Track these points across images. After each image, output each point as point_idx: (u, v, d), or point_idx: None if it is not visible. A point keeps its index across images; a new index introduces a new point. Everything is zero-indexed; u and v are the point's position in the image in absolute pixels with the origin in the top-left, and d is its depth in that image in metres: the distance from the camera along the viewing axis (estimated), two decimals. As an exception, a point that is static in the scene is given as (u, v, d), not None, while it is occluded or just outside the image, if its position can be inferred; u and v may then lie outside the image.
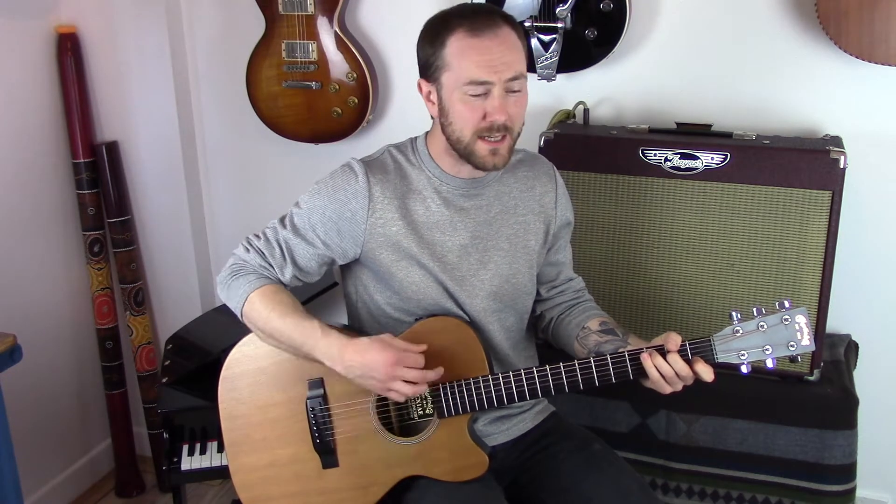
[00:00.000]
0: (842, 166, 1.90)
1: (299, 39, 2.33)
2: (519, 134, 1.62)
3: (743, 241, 1.99)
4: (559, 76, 2.17)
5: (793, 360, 1.50)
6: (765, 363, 1.50)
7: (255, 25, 2.37)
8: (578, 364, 1.55)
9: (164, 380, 2.22)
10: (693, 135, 2.06)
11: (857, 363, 2.19)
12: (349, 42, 2.32)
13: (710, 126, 2.10)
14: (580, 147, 2.09)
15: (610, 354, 1.54)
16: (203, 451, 2.16)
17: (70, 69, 2.53)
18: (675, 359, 1.50)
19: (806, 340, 1.48)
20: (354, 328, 1.76)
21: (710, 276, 2.03)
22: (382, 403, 1.64)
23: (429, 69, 1.59)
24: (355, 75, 2.33)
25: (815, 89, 2.12)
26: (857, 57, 1.92)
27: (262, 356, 1.67)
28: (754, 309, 1.50)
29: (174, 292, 2.77)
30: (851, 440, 1.95)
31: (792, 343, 1.48)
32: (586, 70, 2.19)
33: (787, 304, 1.48)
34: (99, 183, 2.63)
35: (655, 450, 2.06)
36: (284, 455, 1.67)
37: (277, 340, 1.63)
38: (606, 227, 2.08)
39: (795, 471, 1.99)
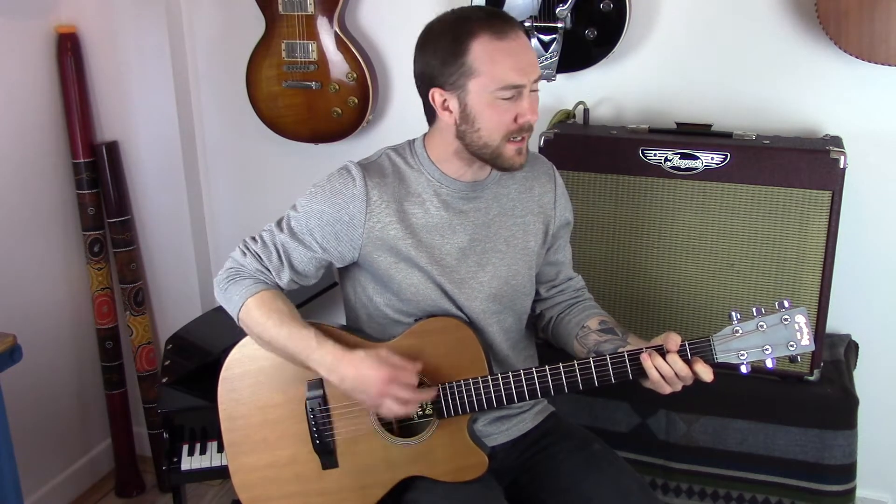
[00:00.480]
0: (842, 166, 1.90)
1: (299, 39, 2.33)
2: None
3: (743, 241, 1.99)
4: (559, 76, 2.17)
5: (792, 360, 1.50)
6: (764, 363, 1.50)
7: (255, 25, 2.37)
8: (578, 364, 1.55)
9: (164, 380, 2.22)
10: (693, 135, 2.06)
11: (857, 363, 2.19)
12: (349, 42, 2.32)
13: (710, 126, 2.10)
14: (580, 147, 2.09)
15: (609, 355, 1.54)
16: (203, 451, 2.16)
17: (70, 69, 2.53)
18: (674, 359, 1.50)
19: (805, 340, 1.48)
20: (353, 328, 1.76)
21: (710, 276, 2.03)
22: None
23: (447, 78, 1.55)
24: (355, 75, 2.33)
25: (815, 89, 2.12)
26: (857, 57, 1.92)
27: (262, 357, 1.67)
28: (754, 309, 1.50)
29: (174, 292, 2.77)
30: (851, 440, 1.95)
31: (791, 343, 1.48)
32: (586, 70, 2.19)
33: (786, 303, 1.48)
34: (99, 183, 2.63)
35: (655, 450, 2.06)
36: (284, 456, 1.67)
37: (273, 348, 1.63)
38: (606, 227, 2.08)
39: (795, 471, 1.99)
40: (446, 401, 1.60)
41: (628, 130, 2.12)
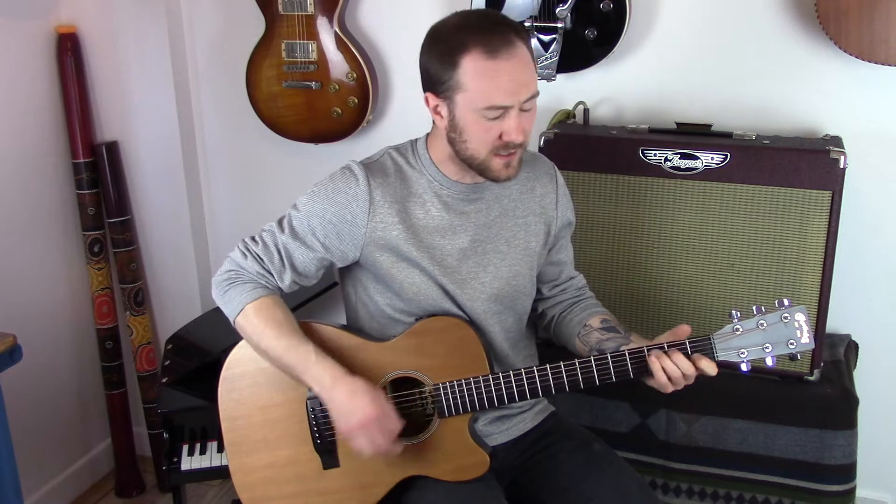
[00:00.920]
0: (842, 166, 1.90)
1: (299, 39, 2.33)
2: (528, 142, 1.61)
3: (743, 241, 1.99)
4: (559, 76, 2.17)
5: (792, 358, 1.50)
6: (765, 361, 1.50)
7: (255, 25, 2.37)
8: (579, 363, 1.55)
9: (164, 380, 2.22)
10: (693, 135, 2.06)
11: (857, 363, 2.19)
12: (349, 42, 2.32)
13: (710, 126, 2.10)
14: (580, 147, 2.09)
15: (610, 353, 1.54)
16: (203, 451, 2.16)
17: (70, 69, 2.53)
18: (679, 359, 1.49)
19: (805, 338, 1.48)
20: (353, 328, 1.76)
21: (710, 276, 2.03)
22: (383, 403, 1.64)
23: (439, 85, 1.54)
24: (355, 75, 2.33)
25: (815, 89, 2.12)
26: (857, 57, 1.93)
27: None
28: (754, 308, 1.51)
29: (174, 292, 2.77)
30: (851, 440, 1.95)
31: (792, 341, 1.48)
32: (586, 70, 2.19)
33: (786, 302, 1.49)
34: (99, 183, 2.63)
35: (655, 450, 2.07)
36: (285, 456, 1.67)
37: (268, 357, 1.63)
38: (606, 227, 2.08)
39: (795, 471, 1.99)
40: (447, 400, 1.60)
41: (628, 130, 2.12)
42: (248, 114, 2.47)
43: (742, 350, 1.49)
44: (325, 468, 1.67)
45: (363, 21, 2.42)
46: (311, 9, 2.29)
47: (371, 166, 1.66)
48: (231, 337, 1.71)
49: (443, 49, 1.52)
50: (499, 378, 1.59)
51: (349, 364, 1.64)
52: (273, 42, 2.35)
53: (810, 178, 1.92)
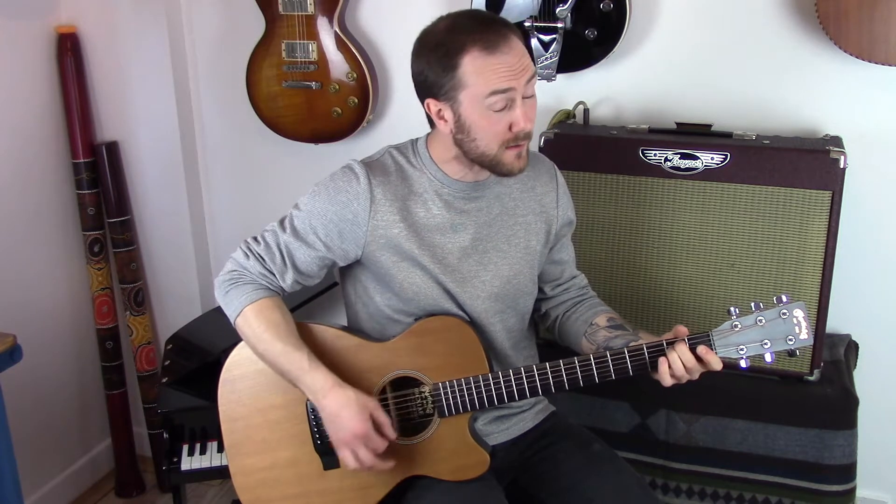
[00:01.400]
0: (842, 166, 1.90)
1: (299, 39, 2.33)
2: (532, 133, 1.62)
3: (743, 241, 1.99)
4: (559, 76, 2.17)
5: (791, 354, 1.50)
6: (763, 358, 1.50)
7: (255, 25, 2.37)
8: (578, 361, 1.55)
9: (164, 380, 2.23)
10: (693, 135, 2.06)
11: (857, 363, 2.19)
12: (349, 42, 2.32)
13: (710, 126, 2.10)
14: (580, 147, 2.09)
15: (609, 352, 1.55)
16: (203, 451, 2.16)
17: (70, 69, 2.53)
18: (683, 351, 1.50)
19: (804, 334, 1.48)
20: (353, 328, 1.76)
21: (710, 276, 2.03)
22: (383, 404, 1.64)
23: (439, 89, 1.55)
24: (355, 75, 2.33)
25: (815, 89, 2.12)
26: (857, 57, 1.92)
27: (262, 358, 1.67)
28: (752, 304, 1.51)
29: (174, 292, 2.77)
30: (851, 440, 1.95)
31: (790, 337, 1.48)
32: (586, 70, 2.19)
33: (784, 298, 1.49)
34: (99, 183, 2.63)
35: (655, 450, 2.07)
36: (285, 457, 1.67)
37: (265, 359, 1.63)
38: (606, 227, 2.08)
39: (795, 471, 1.99)
40: (447, 399, 1.61)
41: (628, 130, 2.12)
42: (248, 114, 2.47)
43: (741, 346, 1.50)
44: (325, 469, 1.67)
45: (363, 21, 2.42)
46: (311, 9, 2.29)
47: (372, 165, 1.66)
48: (231, 337, 1.71)
49: (440, 53, 1.53)
50: (498, 377, 1.59)
51: (349, 365, 1.64)
52: (273, 42, 2.35)
53: (810, 178, 1.92)
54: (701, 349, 1.49)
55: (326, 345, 1.66)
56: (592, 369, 1.55)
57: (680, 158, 2.00)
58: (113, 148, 2.63)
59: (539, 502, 1.71)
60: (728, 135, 2.05)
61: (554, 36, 2.11)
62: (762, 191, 1.96)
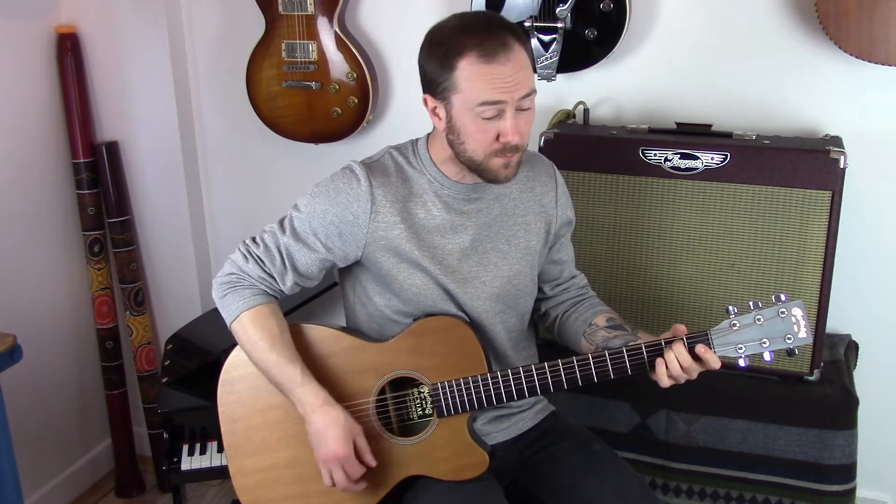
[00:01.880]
0: (842, 166, 1.90)
1: (299, 39, 2.33)
2: (527, 144, 1.61)
3: (743, 241, 1.99)
4: (559, 76, 2.17)
5: (790, 353, 1.50)
6: (762, 356, 1.50)
7: (255, 25, 2.37)
8: (577, 361, 1.55)
9: (164, 380, 2.22)
10: (693, 135, 2.06)
11: (857, 363, 2.19)
12: (349, 42, 2.32)
13: (710, 126, 2.10)
14: (580, 147, 2.09)
15: (608, 351, 1.55)
16: (203, 451, 2.16)
17: (70, 69, 2.53)
18: (680, 350, 1.49)
19: (803, 333, 1.48)
20: (352, 329, 1.76)
21: (710, 276, 2.03)
22: (382, 404, 1.64)
23: (436, 87, 1.55)
24: (355, 75, 2.33)
25: (815, 89, 2.12)
26: (857, 57, 1.92)
27: (260, 360, 1.67)
28: (751, 303, 1.51)
29: (174, 292, 2.77)
30: (851, 440, 1.95)
31: (789, 336, 1.48)
32: (586, 70, 2.18)
33: (783, 297, 1.49)
34: (99, 183, 2.63)
35: (655, 450, 2.06)
36: (285, 457, 1.67)
37: (258, 367, 1.64)
38: (606, 227, 2.08)
39: (795, 471, 1.99)
40: (446, 399, 1.61)
41: (628, 130, 2.12)
42: (248, 114, 2.47)
43: (739, 345, 1.50)
44: (324, 469, 1.67)
45: (363, 21, 2.42)
46: (311, 9, 2.28)
47: (372, 166, 1.66)
48: (231, 338, 1.71)
49: (441, 52, 1.53)
50: (497, 377, 1.59)
51: (347, 365, 1.64)
52: (273, 42, 2.35)
53: (810, 178, 1.92)
54: (699, 348, 1.49)
55: (325, 345, 1.66)
56: (591, 369, 1.55)
57: (680, 158, 2.00)
58: (113, 148, 2.63)
59: (539, 502, 1.71)
60: (728, 135, 2.05)
61: (554, 36, 2.11)
62: (762, 191, 1.96)
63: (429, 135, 1.69)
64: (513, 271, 1.71)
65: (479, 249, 1.68)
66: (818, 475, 1.97)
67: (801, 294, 1.96)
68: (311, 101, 2.39)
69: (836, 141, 2.02)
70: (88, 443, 2.85)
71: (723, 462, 2.03)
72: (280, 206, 1.77)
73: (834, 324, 2.16)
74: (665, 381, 1.52)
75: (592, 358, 1.55)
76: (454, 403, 1.61)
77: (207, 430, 2.18)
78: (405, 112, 2.45)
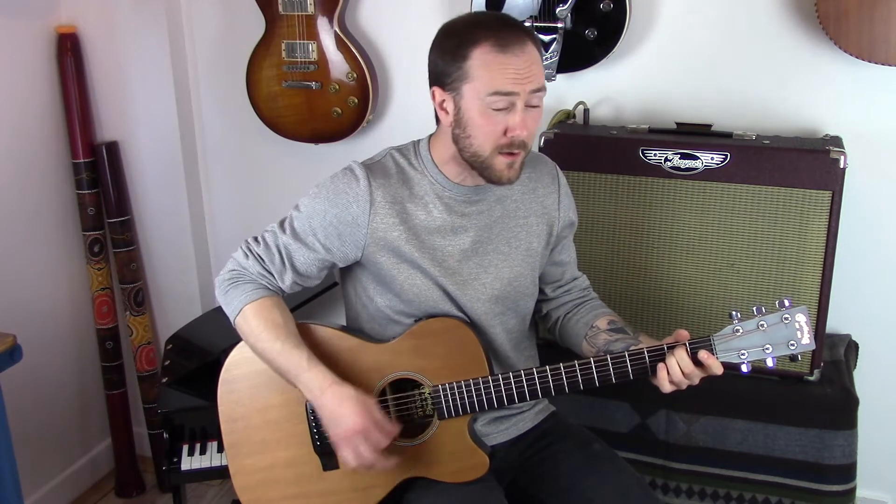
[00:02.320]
0: (842, 166, 1.90)
1: (299, 39, 2.33)
2: (531, 145, 1.61)
3: (743, 241, 1.99)
4: (559, 76, 2.17)
5: (793, 359, 1.50)
6: (765, 362, 1.50)
7: (255, 25, 2.37)
8: (578, 364, 1.55)
9: (164, 380, 2.22)
10: (693, 135, 2.06)
11: (857, 363, 2.19)
12: (349, 42, 2.32)
13: (710, 126, 2.10)
14: (580, 147, 2.09)
15: (610, 355, 1.54)
16: (203, 451, 2.16)
17: (70, 69, 2.53)
18: (682, 356, 1.49)
19: (806, 339, 1.48)
20: (353, 329, 1.76)
21: (710, 276, 2.03)
22: (382, 405, 1.64)
23: (446, 78, 1.55)
24: (355, 75, 2.33)
25: (815, 89, 2.12)
26: (857, 57, 1.92)
27: (262, 358, 1.67)
28: (754, 308, 1.50)
29: (174, 292, 2.77)
30: (851, 440, 1.95)
31: (792, 342, 1.48)
32: (586, 70, 2.19)
33: (787, 302, 1.48)
34: (99, 183, 2.63)
35: (655, 450, 2.06)
36: (284, 457, 1.67)
37: (264, 359, 1.63)
38: (606, 227, 2.08)
39: (795, 471, 1.99)
40: (446, 401, 1.60)
41: (628, 130, 2.12)
42: (248, 114, 2.47)
43: (742, 351, 1.49)
44: (324, 470, 1.67)
45: (363, 21, 2.42)
46: (311, 9, 2.29)
47: (372, 167, 1.66)
48: (231, 337, 1.71)
49: (454, 43, 1.53)
50: (498, 380, 1.59)
51: (348, 365, 1.64)
52: (273, 42, 2.35)
53: (810, 178, 1.92)
54: (702, 354, 1.48)
55: (326, 345, 1.66)
56: (593, 372, 1.54)
57: (680, 158, 2.00)
58: (113, 148, 2.63)
59: (539, 502, 1.71)
60: (728, 135, 2.05)
61: (554, 36, 2.11)
62: (762, 191, 1.96)
63: (431, 136, 1.69)
64: (513, 273, 1.71)
65: (479, 251, 1.68)
66: (818, 475, 1.97)
67: (801, 294, 1.96)
68: (311, 101, 2.39)
69: (836, 141, 2.02)
70: (88, 443, 2.85)
71: (723, 462, 2.03)
72: (280, 206, 1.77)
73: (834, 324, 2.16)
74: (667, 387, 1.52)
75: (594, 361, 1.54)
76: (455, 406, 1.60)
77: (207, 430, 2.18)
78: (405, 112, 2.45)
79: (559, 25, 2.10)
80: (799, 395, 1.98)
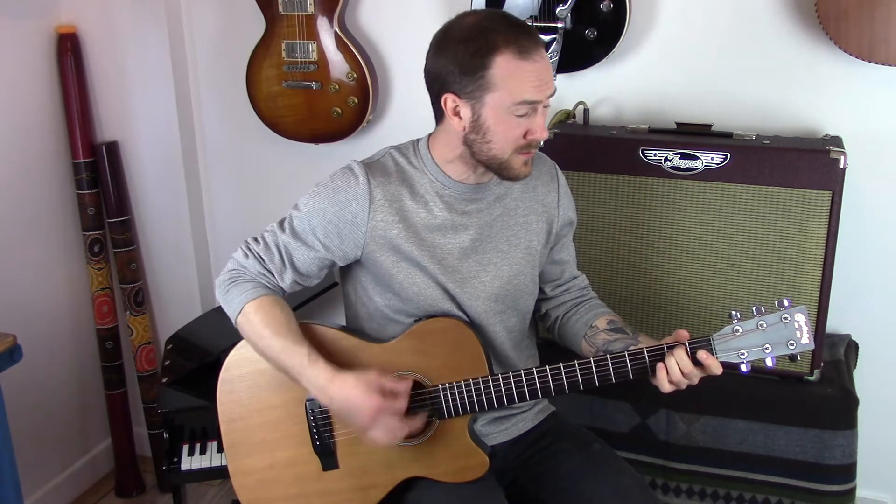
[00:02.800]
0: (842, 166, 1.90)
1: (299, 39, 2.33)
2: None
3: (743, 241, 1.99)
4: (559, 76, 2.17)
5: (792, 358, 1.50)
6: (764, 362, 1.50)
7: (255, 25, 2.37)
8: (578, 364, 1.55)
9: (164, 380, 2.22)
10: (693, 135, 2.06)
11: (857, 363, 2.19)
12: (349, 42, 2.32)
13: (710, 126, 2.10)
14: (580, 147, 2.09)
15: (610, 354, 1.54)
16: (203, 451, 2.16)
17: (70, 69, 2.53)
18: (681, 356, 1.49)
19: (805, 339, 1.48)
20: (353, 328, 1.76)
21: (710, 276, 2.03)
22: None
23: (464, 87, 1.53)
24: (355, 75, 2.33)
25: (815, 89, 2.12)
26: (857, 57, 1.92)
27: (261, 358, 1.67)
28: (753, 308, 1.50)
29: (174, 292, 2.77)
30: (851, 440, 1.95)
31: (791, 342, 1.48)
32: (586, 70, 2.19)
33: (786, 302, 1.48)
34: (99, 183, 2.63)
35: (655, 450, 2.06)
36: (284, 457, 1.67)
37: (267, 357, 1.63)
38: (607, 227, 2.08)
39: (795, 471, 1.99)
40: (447, 401, 1.60)
41: (628, 130, 2.12)
42: (248, 114, 2.47)
43: (742, 351, 1.49)
44: (324, 469, 1.66)
45: (363, 21, 2.42)
46: (311, 9, 2.29)
47: (372, 166, 1.66)
48: (231, 337, 1.71)
49: (470, 50, 1.51)
50: (498, 379, 1.59)
51: (348, 365, 1.63)
52: (273, 42, 2.35)
53: (810, 178, 1.92)
54: (701, 354, 1.48)
55: (326, 345, 1.66)
56: (592, 372, 1.54)
57: (680, 158, 2.00)
58: (113, 148, 2.63)
59: (539, 502, 1.71)
60: (728, 135, 2.05)
61: (554, 36, 2.11)
62: (762, 191, 1.96)
63: (430, 135, 1.69)
64: (513, 271, 1.71)
65: (479, 249, 1.68)
66: (818, 475, 1.97)
67: (801, 294, 1.96)
68: (311, 101, 2.39)
69: (836, 141, 2.02)
70: (88, 443, 2.85)
71: (723, 462, 2.03)
72: (280, 206, 1.77)
73: (834, 324, 2.16)
74: (666, 387, 1.51)
75: (594, 361, 1.54)
76: (455, 406, 1.60)
77: (207, 430, 2.18)
78: (405, 112, 2.45)
79: (559, 25, 2.10)
80: (799, 395, 1.98)
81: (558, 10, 2.09)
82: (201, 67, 2.61)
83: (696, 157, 1.99)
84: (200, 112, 2.65)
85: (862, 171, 2.08)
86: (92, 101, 2.62)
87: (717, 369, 1.49)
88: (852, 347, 2.19)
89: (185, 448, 2.16)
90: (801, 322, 1.47)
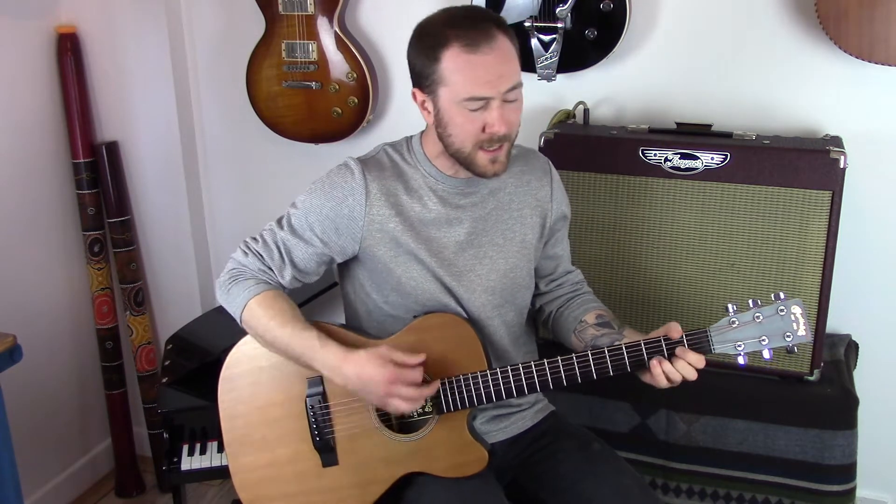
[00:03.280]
0: (842, 166, 1.90)
1: (299, 39, 2.33)
2: (516, 136, 1.62)
3: (743, 241, 1.99)
4: (559, 76, 2.17)
5: (789, 351, 1.51)
6: (761, 354, 1.51)
7: (255, 25, 2.37)
8: (576, 358, 1.56)
9: (164, 380, 2.22)
10: (693, 135, 2.06)
11: (857, 363, 2.19)
12: (349, 42, 2.32)
13: (710, 126, 2.10)
14: (580, 147, 2.09)
15: (607, 348, 1.55)
16: (203, 451, 2.16)
17: (70, 69, 2.53)
18: (679, 362, 1.50)
19: (802, 331, 1.48)
20: (353, 327, 1.76)
21: (710, 277, 2.03)
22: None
23: (423, 81, 1.57)
24: (355, 75, 2.34)
25: (815, 89, 2.12)
26: (857, 57, 1.93)
27: (262, 356, 1.67)
28: (750, 301, 1.51)
29: (174, 292, 2.77)
30: (851, 440, 1.95)
31: (788, 333, 1.49)
32: (586, 70, 2.19)
33: (782, 295, 1.50)
34: (99, 183, 2.63)
35: (655, 450, 2.06)
36: (284, 454, 1.67)
37: (276, 348, 1.63)
38: (606, 227, 2.08)
39: (795, 471, 1.99)
40: (446, 396, 1.61)
41: (628, 130, 2.12)
42: (248, 114, 2.47)
43: (739, 343, 1.50)
44: (324, 466, 1.67)
45: (363, 21, 2.42)
46: (311, 9, 2.29)
47: (367, 161, 1.68)
48: (231, 337, 1.72)
49: (426, 44, 1.56)
50: (497, 374, 1.59)
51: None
52: (273, 42, 2.35)
53: (810, 178, 1.92)
54: (679, 350, 1.50)
55: (328, 340, 1.66)
56: (590, 365, 1.55)
57: (680, 158, 2.00)
58: (113, 148, 2.63)
59: (539, 502, 1.71)
60: (728, 135, 2.05)
61: (554, 36, 2.11)
62: (762, 191, 1.96)
63: (423, 132, 1.71)
64: (509, 265, 1.72)
65: (475, 243, 1.69)
66: (818, 475, 1.97)
67: (801, 294, 1.96)
68: (311, 101, 2.39)
69: (836, 141, 2.02)
70: (88, 443, 2.85)
71: (723, 462, 2.03)
72: (280, 205, 1.78)
73: (834, 324, 2.16)
74: (663, 383, 1.53)
75: (591, 355, 1.55)
76: (453, 400, 1.61)
77: (207, 430, 2.18)
78: (405, 112, 2.45)
79: (559, 25, 2.10)
80: (799, 395, 1.98)
81: (558, 10, 2.09)
82: (201, 67, 2.61)
83: (696, 157, 1.99)
84: (200, 112, 2.65)
85: (862, 171, 2.08)
86: (92, 100, 2.62)
87: (699, 363, 1.51)
88: (852, 347, 2.19)
89: (185, 448, 2.16)
90: (798, 314, 1.48)
